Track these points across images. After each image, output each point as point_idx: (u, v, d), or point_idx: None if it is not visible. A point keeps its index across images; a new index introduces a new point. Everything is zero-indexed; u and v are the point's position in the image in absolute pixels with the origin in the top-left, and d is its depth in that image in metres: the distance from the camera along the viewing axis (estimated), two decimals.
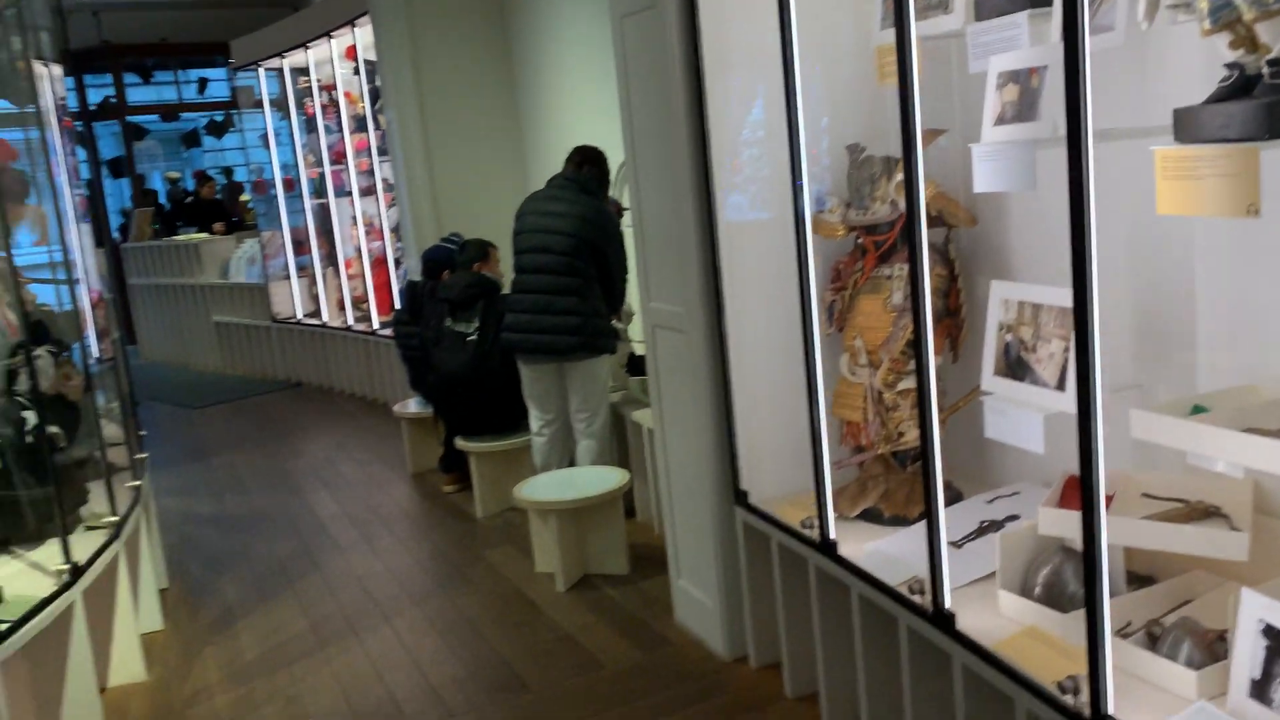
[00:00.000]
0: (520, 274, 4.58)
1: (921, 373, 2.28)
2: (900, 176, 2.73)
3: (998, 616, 2.26)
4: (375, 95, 7.32)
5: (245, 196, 11.78)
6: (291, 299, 9.07)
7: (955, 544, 2.63)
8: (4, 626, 2.79)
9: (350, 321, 8.24)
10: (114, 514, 3.64)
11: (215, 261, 10.24)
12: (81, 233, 4.60)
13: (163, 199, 12.64)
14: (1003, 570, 2.31)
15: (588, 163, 4.56)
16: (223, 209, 11.57)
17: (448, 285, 5.06)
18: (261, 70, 8.90)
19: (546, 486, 4.25)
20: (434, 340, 5.06)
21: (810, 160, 2.88)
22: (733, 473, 3.19)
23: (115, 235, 12.63)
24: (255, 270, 9.61)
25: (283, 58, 8.44)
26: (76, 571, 3.16)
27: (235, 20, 10.68)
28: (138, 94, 13.06)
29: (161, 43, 12.68)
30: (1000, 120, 2.09)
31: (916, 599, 2.36)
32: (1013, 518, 2.68)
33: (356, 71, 7.61)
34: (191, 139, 13.91)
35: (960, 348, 2.92)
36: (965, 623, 2.24)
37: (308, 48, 8.02)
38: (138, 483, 4.08)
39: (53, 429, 3.65)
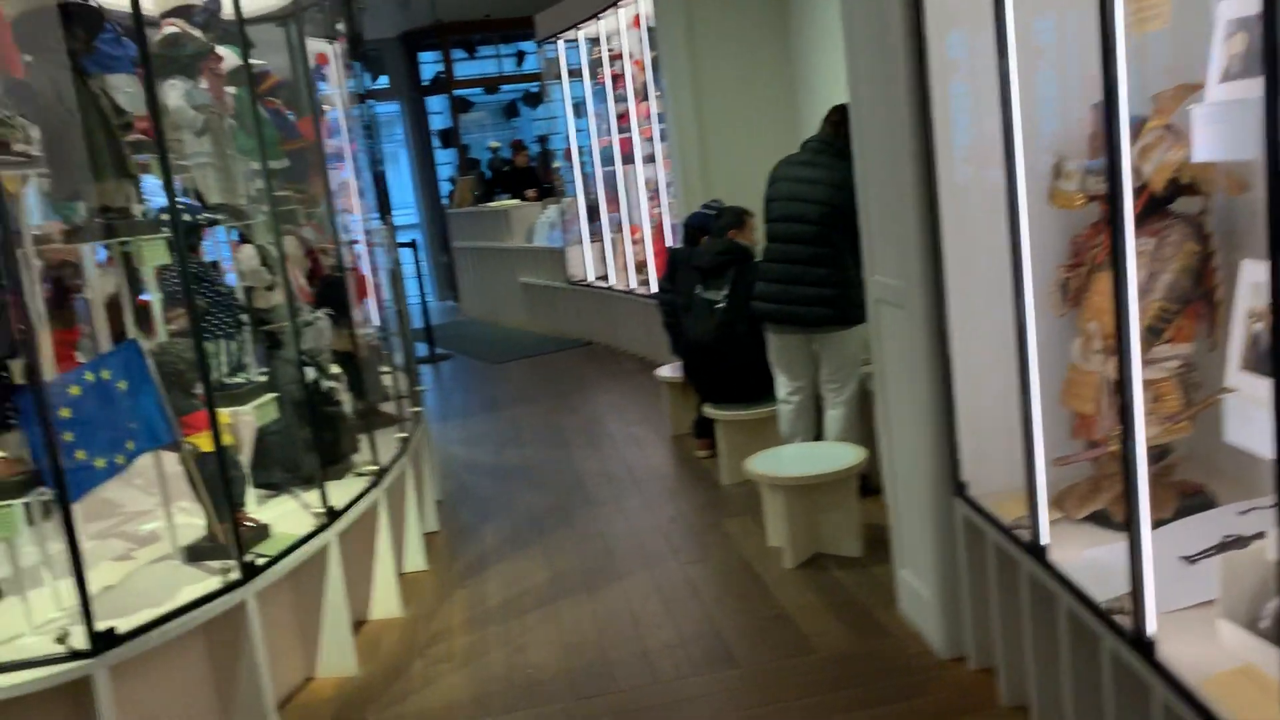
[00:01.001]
0: (772, 243, 4.50)
1: (1124, 359, 2.00)
2: (1146, 139, 2.41)
3: (1215, 648, 1.96)
4: (658, 64, 7.44)
5: (558, 164, 12.46)
6: (584, 262, 9.49)
7: (1188, 559, 2.30)
8: (264, 561, 3.15)
9: (633, 285, 8.50)
10: (376, 463, 4.00)
11: (523, 226, 10.92)
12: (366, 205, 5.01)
13: (484, 167, 13.61)
14: (1224, 596, 1.99)
15: (844, 121, 4.34)
16: (534, 177, 12.27)
17: (699, 252, 5.07)
18: (561, 42, 9.31)
19: (782, 460, 4.18)
20: (684, 307, 5.10)
21: (1043, 121, 2.60)
22: (952, 461, 2.97)
23: (444, 201, 13.78)
24: (556, 235, 10.14)
25: (578, 29, 8.78)
26: (333, 514, 3.51)
27: None
28: (464, 69, 14.09)
29: (485, 19, 13.58)
30: (1226, 76, 1.77)
31: (1118, 619, 2.10)
32: (1262, 535, 2.30)
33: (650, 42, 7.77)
34: (511, 110, 14.85)
35: (1219, 333, 2.53)
36: (1174, 651, 1.96)
37: (599, 18, 8.29)
38: (404, 435, 4.44)
39: (330, 383, 4.07)
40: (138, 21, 2.84)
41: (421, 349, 9.85)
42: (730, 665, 3.32)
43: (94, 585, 3.08)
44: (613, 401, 7.14)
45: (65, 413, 2.81)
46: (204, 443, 3.20)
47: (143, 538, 3.53)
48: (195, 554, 3.24)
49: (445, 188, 14.19)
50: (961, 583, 3.01)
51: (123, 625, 2.73)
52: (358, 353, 4.64)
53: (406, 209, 14.53)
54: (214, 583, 3.00)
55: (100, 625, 2.66)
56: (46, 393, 2.73)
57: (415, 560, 4.41)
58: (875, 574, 3.81)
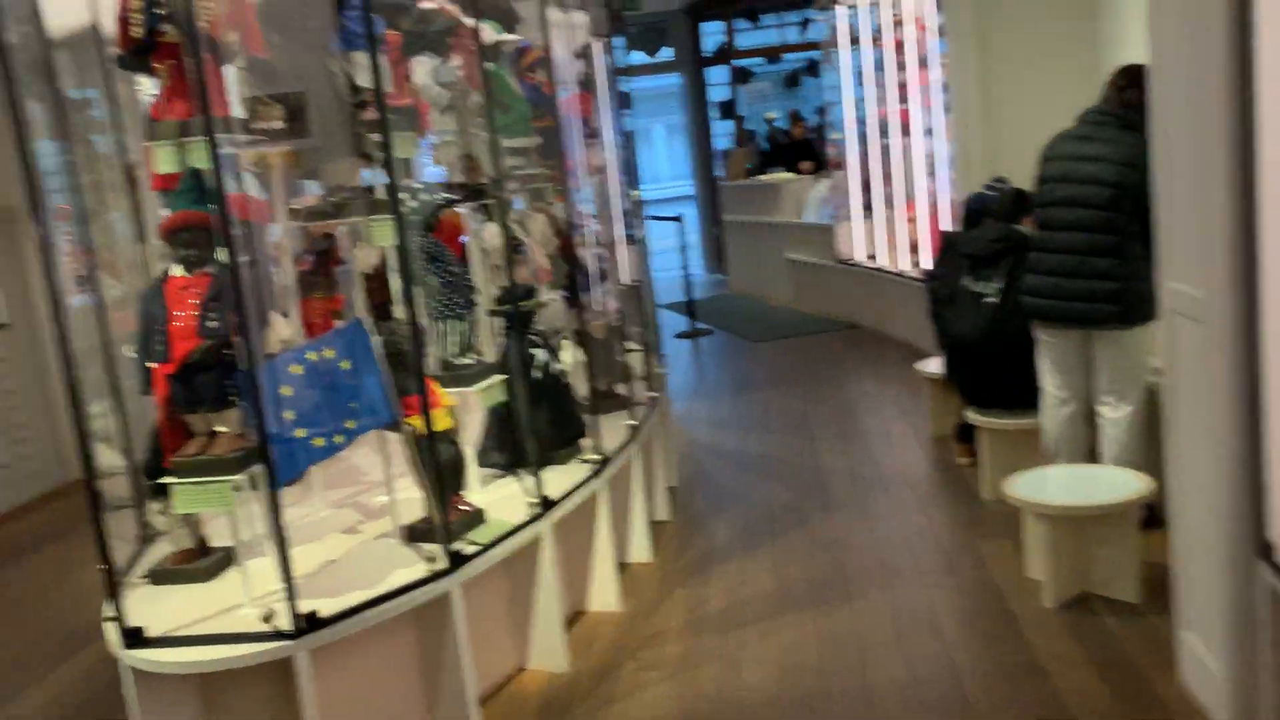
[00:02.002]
0: (1046, 229, 3.95)
1: None
2: None
3: None
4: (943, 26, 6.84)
5: (837, 135, 11.97)
6: (854, 240, 9.02)
7: None
8: (472, 550, 3.09)
9: (904, 267, 7.96)
10: (600, 451, 3.86)
11: (794, 201, 10.55)
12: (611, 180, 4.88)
13: (761, 139, 13.32)
14: None
15: (1132, 85, 3.70)
16: (811, 149, 11.84)
17: (972, 238, 4.56)
18: (842, 7, 8.83)
19: (1049, 483, 3.66)
20: (947, 298, 4.61)
21: None
22: (1258, 516, 2.41)
23: (718, 174, 13.64)
24: (827, 210, 9.71)
25: None
26: (547, 504, 3.40)
27: None
28: (747, 39, 13.81)
29: None
30: None
31: None
32: None
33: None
34: (792, 80, 14.43)
35: None
36: None
37: None
38: (634, 422, 4.29)
39: (560, 365, 3.97)
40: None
41: (682, 323, 9.77)
42: (965, 717, 2.92)
43: (316, 558, 3.17)
44: (871, 392, 6.71)
45: (286, 390, 2.85)
46: (433, 422, 3.18)
47: (373, 510, 3.59)
48: (414, 534, 3.23)
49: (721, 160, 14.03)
50: (1262, 665, 2.44)
51: (329, 607, 2.74)
52: (594, 333, 4.53)
53: (682, 181, 14.53)
54: (421, 569, 2.96)
55: (304, 607, 2.68)
56: (264, 370, 2.77)
57: (640, 550, 4.27)
58: (1154, 626, 3.24)
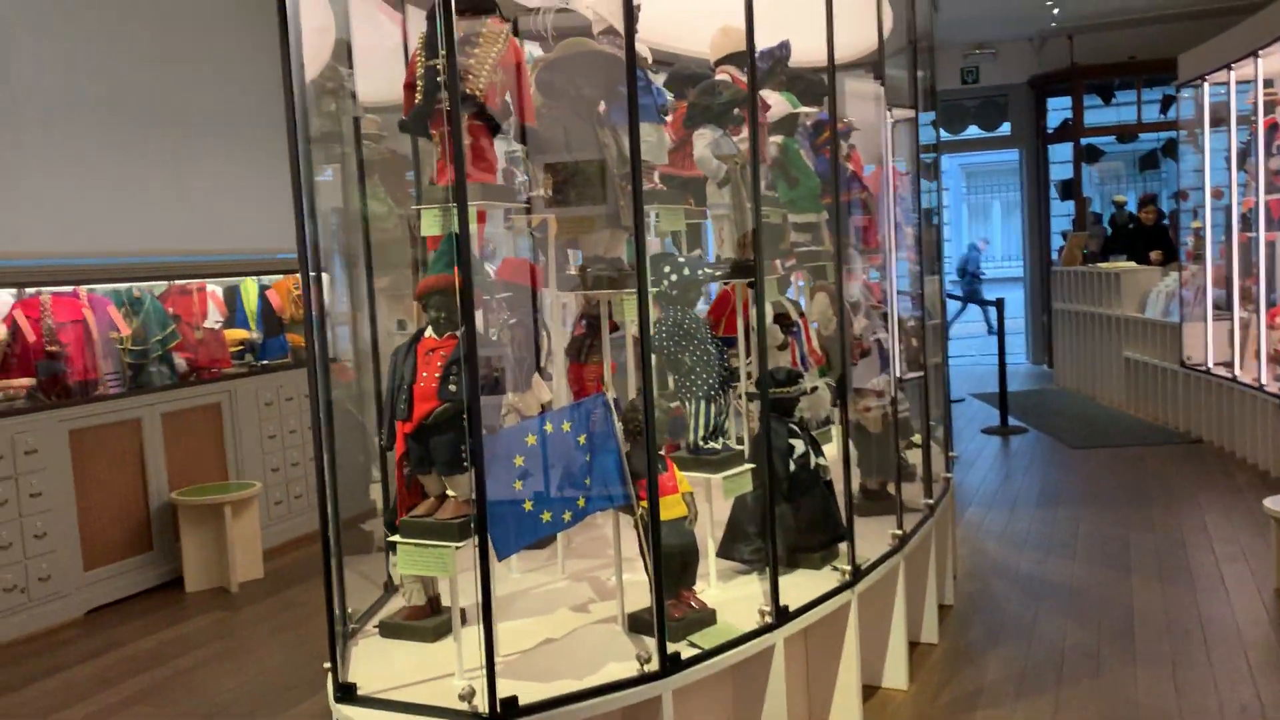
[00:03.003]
0: None
1: None
2: None
3: None
4: None
5: (1195, 224, 10.72)
6: (1205, 343, 7.94)
7: None
8: (694, 652, 2.85)
9: (1264, 379, 6.86)
10: (854, 561, 3.51)
11: (1136, 293, 9.53)
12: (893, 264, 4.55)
13: (1105, 223, 12.23)
14: None
15: None
16: (1162, 238, 10.67)
17: None
18: (1207, 84, 7.89)
19: None
20: None
21: None
22: None
23: (1053, 258, 12.65)
24: (1174, 307, 8.66)
25: (1231, 69, 7.34)
26: (783, 615, 3.10)
27: (1205, 32, 9.66)
28: (1095, 115, 12.79)
29: (1129, 61, 12.19)
30: None
31: None
32: None
33: None
34: (1149, 160, 13.17)
35: None
36: None
37: (1259, 56, 6.83)
38: (900, 531, 3.87)
39: (820, 460, 3.67)
40: (631, 72, 2.69)
41: (992, 417, 9.04)
42: None
43: (536, 634, 3.07)
44: (1207, 523, 5.76)
45: (518, 461, 2.78)
46: (665, 509, 3.00)
47: (608, 590, 3.45)
48: (637, 624, 3.04)
49: (1057, 242, 13.03)
50: None
51: (531, 693, 2.61)
52: (868, 425, 4.18)
53: (1013, 262, 13.62)
54: (633, 667, 2.77)
55: (508, 689, 2.56)
56: (498, 438, 2.72)
57: (894, 674, 3.83)
58: None
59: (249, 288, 6.94)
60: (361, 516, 3.73)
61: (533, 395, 3.70)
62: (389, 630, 3.11)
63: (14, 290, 5.37)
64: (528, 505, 2.79)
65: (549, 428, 2.86)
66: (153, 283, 6.22)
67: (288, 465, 6.67)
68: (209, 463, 6.15)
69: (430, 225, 2.83)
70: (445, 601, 3.16)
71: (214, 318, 6.55)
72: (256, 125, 6.46)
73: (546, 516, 2.83)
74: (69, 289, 5.56)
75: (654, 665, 2.75)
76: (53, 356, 5.38)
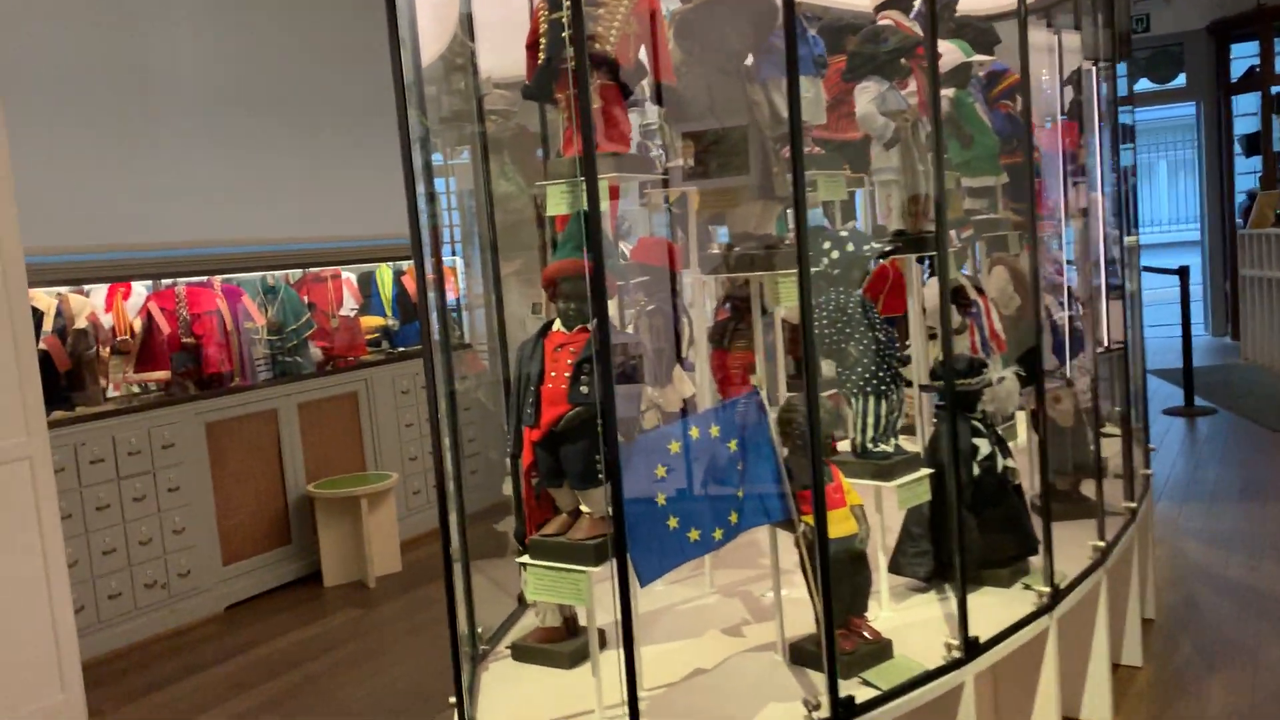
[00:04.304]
0: None
1: None
2: None
3: None
4: None
5: None
6: None
7: None
8: (869, 694, 2.44)
9: None
10: (1051, 579, 3.01)
11: None
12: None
13: None
14: None
15: None
16: None
17: None
18: None
19: None
20: None
21: None
22: None
23: (1237, 220, 11.54)
24: None
25: None
26: (971, 648, 2.65)
27: None
28: None
29: None
30: None
31: None
32: None
33: None
34: None
35: None
36: None
37: None
38: (1102, 542, 3.35)
39: (1006, 461, 3.18)
40: (789, 13, 2.27)
41: (1175, 396, 8.22)
42: None
43: (686, 662, 2.71)
44: None
45: (660, 472, 2.42)
46: (833, 525, 2.59)
47: (764, 609, 3.07)
48: (800, 655, 2.65)
49: (1240, 202, 11.87)
50: None
51: None
52: (1059, 420, 3.66)
53: (1186, 226, 12.51)
54: (797, 711, 2.38)
55: None
56: (636, 447, 2.37)
57: (1096, 707, 3.33)
58: None
59: (384, 274, 6.81)
60: (494, 513, 3.43)
61: (674, 390, 3.34)
62: (521, 654, 2.81)
63: (149, 282, 5.32)
64: (672, 522, 2.43)
65: (695, 433, 2.49)
66: (287, 271, 6.12)
67: (425, 454, 6.51)
68: (346, 453, 6.04)
69: (556, 203, 2.48)
70: (583, 621, 2.84)
71: (349, 305, 6.43)
72: (388, 110, 6.27)
73: (694, 535, 2.46)
74: (203, 279, 5.49)
75: (824, 711, 2.35)
76: (188, 348, 5.32)
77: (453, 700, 2.48)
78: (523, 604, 3.22)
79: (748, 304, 3.40)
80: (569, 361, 2.41)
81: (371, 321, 6.67)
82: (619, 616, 2.19)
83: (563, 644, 2.78)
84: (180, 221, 5.56)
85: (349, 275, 6.51)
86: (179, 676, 4.38)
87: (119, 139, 5.42)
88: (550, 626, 2.82)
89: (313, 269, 6.23)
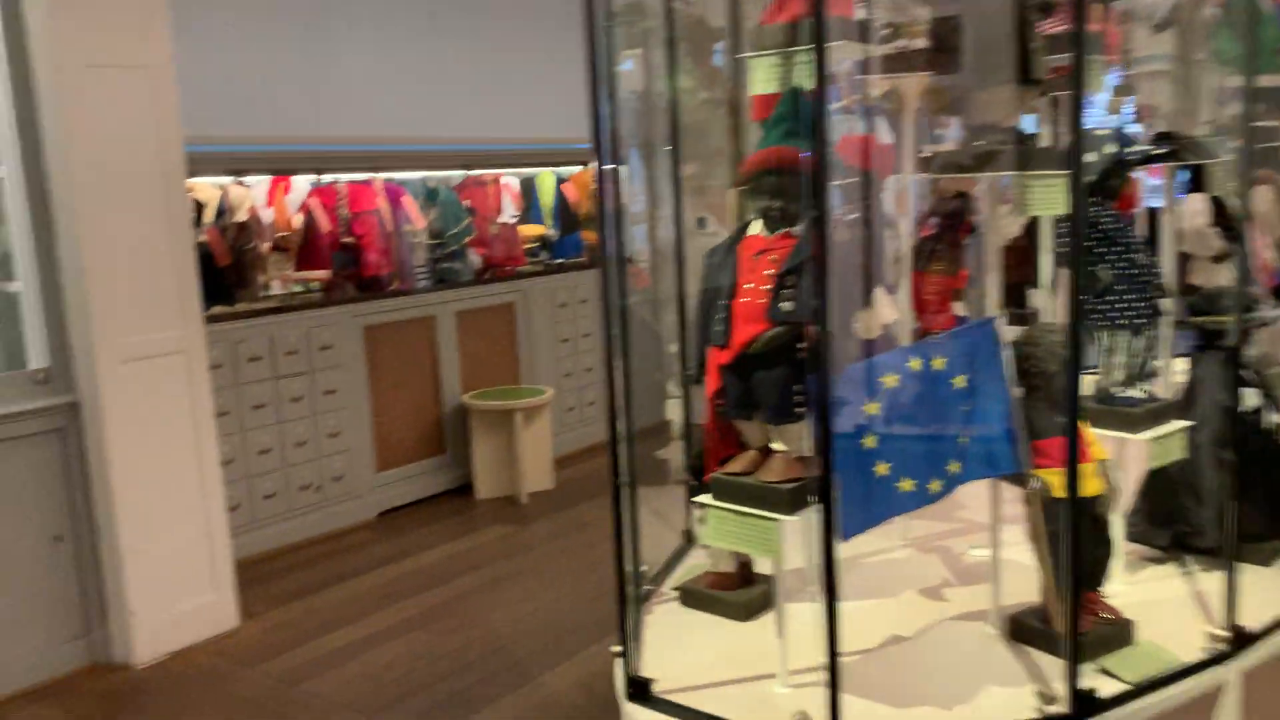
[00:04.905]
0: None
1: None
2: None
3: None
4: None
5: None
6: None
7: None
8: (1115, 690, 2.02)
9: None
10: None
11: None
12: None
13: None
14: None
15: None
16: None
17: None
18: None
19: None
20: None
21: None
22: None
23: None
24: None
25: None
26: (1240, 640, 2.19)
27: None
28: None
29: None
30: None
31: None
32: None
33: None
34: None
35: None
36: None
37: None
38: None
39: (1277, 417, 2.65)
40: None
41: None
42: None
43: (879, 628, 2.35)
44: None
45: (872, 409, 2.03)
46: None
47: (968, 569, 2.67)
48: (1020, 631, 2.25)
49: None
50: None
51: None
52: None
53: None
54: (1026, 703, 1.98)
55: (850, 717, 1.87)
56: (847, 376, 1.98)
57: None
58: None
59: (545, 181, 6.53)
60: (649, 437, 3.10)
61: (874, 315, 2.92)
62: (691, 598, 2.51)
63: (310, 179, 5.17)
64: (881, 469, 2.05)
65: (915, 364, 2.08)
66: (448, 174, 5.90)
67: (580, 370, 6.28)
68: (500, 365, 5.85)
69: (765, 79, 2.09)
70: (760, 568, 2.51)
71: (509, 213, 6.18)
72: (555, 6, 5.93)
73: (907, 486, 2.08)
74: (365, 178, 5.31)
75: (1061, 706, 1.95)
76: (348, 248, 5.18)
77: (616, 649, 2.19)
78: (689, 541, 2.91)
79: (953, 220, 2.95)
80: (769, 272, 2.03)
81: (530, 230, 6.41)
82: (822, 576, 1.83)
83: (737, 593, 2.46)
84: (345, 116, 5.38)
85: (509, 181, 6.25)
86: (330, 583, 4.30)
87: (289, 26, 5.25)
88: (723, 572, 2.50)
89: (474, 172, 5.99)
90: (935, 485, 2.10)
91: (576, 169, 6.58)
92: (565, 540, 4.70)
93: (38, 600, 3.49)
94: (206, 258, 4.56)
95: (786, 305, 1.97)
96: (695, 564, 2.69)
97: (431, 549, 4.65)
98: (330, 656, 3.61)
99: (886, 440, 2.04)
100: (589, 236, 6.64)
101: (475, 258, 5.83)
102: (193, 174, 3.84)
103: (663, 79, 2.84)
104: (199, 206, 4.62)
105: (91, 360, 3.46)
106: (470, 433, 5.42)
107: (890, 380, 2.05)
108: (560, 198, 6.56)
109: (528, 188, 6.45)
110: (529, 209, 6.46)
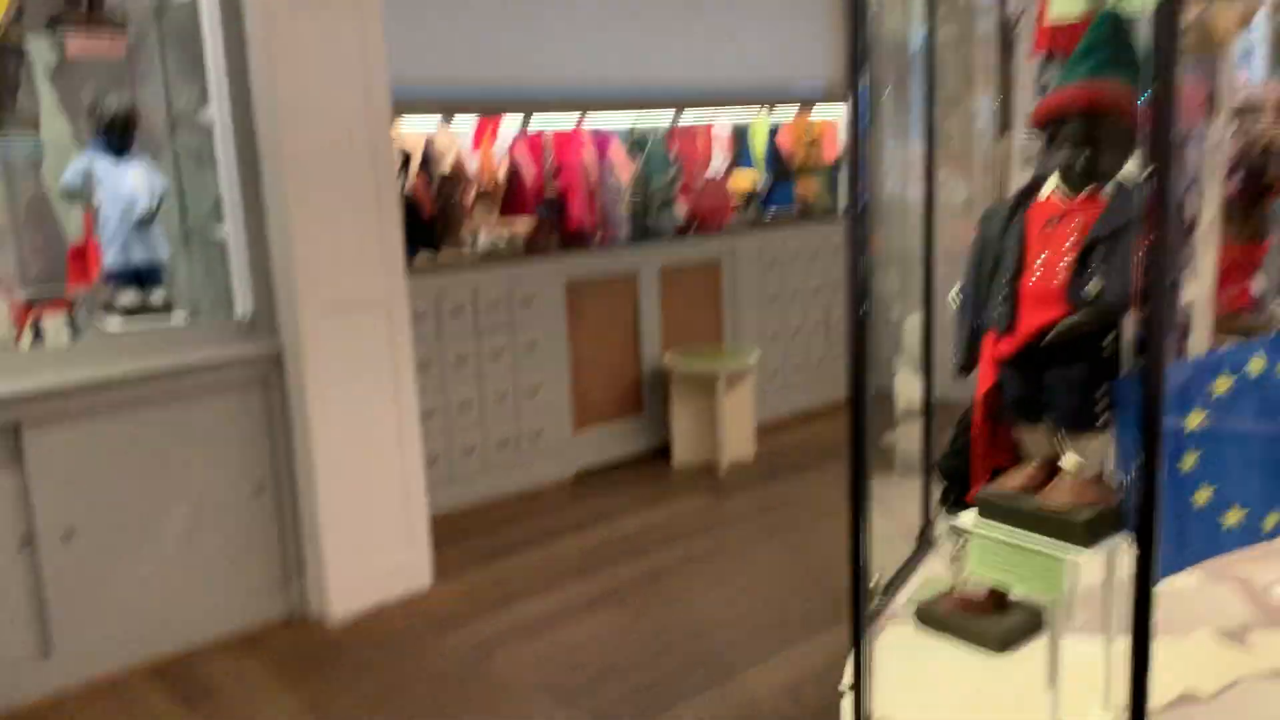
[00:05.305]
0: None
1: None
2: None
3: None
4: None
5: None
6: None
7: None
8: None
9: None
10: None
11: None
12: None
13: None
14: None
15: None
16: None
17: None
18: None
19: None
20: None
21: None
22: None
23: None
24: None
25: None
26: None
27: None
28: None
29: None
30: None
31: None
32: None
33: None
34: None
35: None
36: None
37: None
38: None
39: None
40: None
41: None
42: None
43: (1169, 675, 1.92)
44: None
45: (1195, 419, 1.60)
46: None
47: (1275, 609, 2.19)
48: None
49: None
50: None
51: None
52: None
53: None
54: None
55: None
56: (1168, 378, 1.56)
57: None
58: None
59: (758, 130, 6.13)
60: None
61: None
62: (931, 621, 2.15)
63: (518, 123, 4.98)
64: (1201, 497, 1.62)
65: (1256, 365, 1.63)
66: (656, 123, 5.60)
67: (787, 334, 5.91)
68: (702, 324, 5.56)
69: (1067, 4, 1.66)
70: (1016, 593, 2.12)
71: (718, 164, 5.84)
72: None
73: (1234, 518, 1.64)
74: (571, 124, 5.08)
75: None
76: (551, 201, 4.98)
77: (845, 685, 1.87)
78: (922, 544, 2.54)
79: (1257, 177, 2.44)
80: (1069, 243, 1.62)
81: (740, 182, 6.04)
82: (1133, 631, 1.44)
83: (991, 619, 2.08)
84: (552, 57, 5.16)
85: (719, 130, 5.89)
86: (524, 546, 4.15)
87: None
88: (973, 594, 2.12)
89: (683, 121, 5.66)
90: (1272, 520, 1.66)
91: (791, 116, 6.15)
92: (765, 519, 4.38)
93: (238, 550, 3.48)
94: (411, 208, 4.46)
95: (1093, 286, 1.57)
96: (934, 577, 2.33)
97: (630, 516, 4.44)
98: (521, 629, 3.45)
99: (1211, 461, 1.61)
100: (805, 188, 6.22)
101: (681, 210, 5.53)
102: (398, 113, 3.69)
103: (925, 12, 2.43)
104: (405, 156, 4.51)
105: (295, 310, 3.38)
106: (669, 395, 5.17)
107: (1221, 384, 1.61)
108: (773, 146, 6.15)
109: (739, 136, 6.08)
110: (738, 158, 6.09)
